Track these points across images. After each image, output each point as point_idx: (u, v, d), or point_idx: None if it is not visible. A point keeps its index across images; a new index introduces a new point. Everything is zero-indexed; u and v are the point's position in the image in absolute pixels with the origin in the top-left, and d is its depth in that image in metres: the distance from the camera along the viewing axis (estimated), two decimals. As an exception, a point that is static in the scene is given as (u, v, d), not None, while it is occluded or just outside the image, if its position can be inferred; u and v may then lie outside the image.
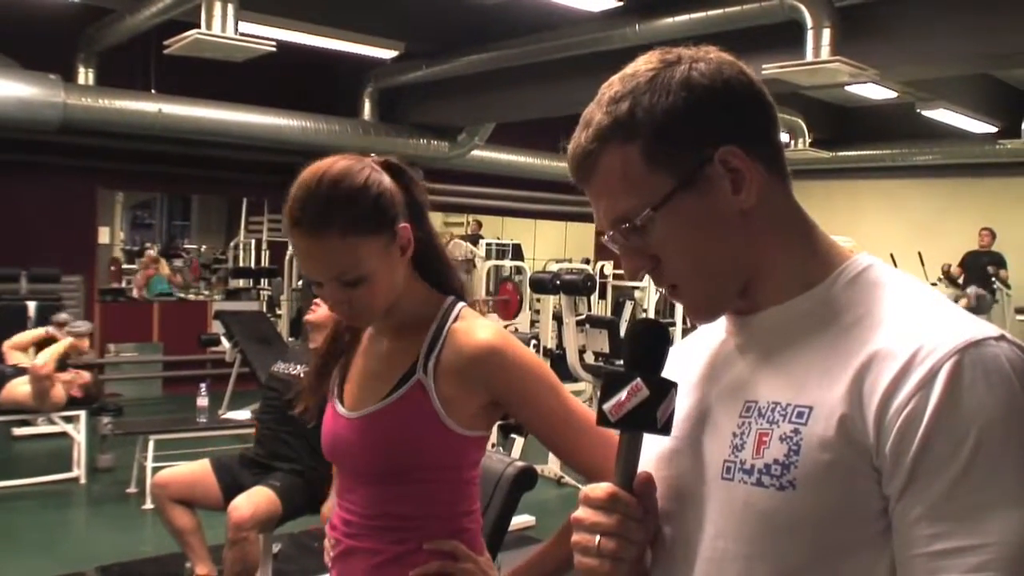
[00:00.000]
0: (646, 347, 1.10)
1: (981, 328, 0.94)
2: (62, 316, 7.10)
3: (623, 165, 1.03)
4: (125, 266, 14.03)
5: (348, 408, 1.71)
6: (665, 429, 1.07)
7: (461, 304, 1.72)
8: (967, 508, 0.88)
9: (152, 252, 13.37)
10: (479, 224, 14.06)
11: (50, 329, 6.86)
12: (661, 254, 1.06)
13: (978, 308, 10.53)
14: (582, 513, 1.06)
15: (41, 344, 6.68)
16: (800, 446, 0.97)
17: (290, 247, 1.53)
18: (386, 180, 1.62)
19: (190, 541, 4.30)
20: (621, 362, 1.00)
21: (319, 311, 4.42)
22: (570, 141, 1.09)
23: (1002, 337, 0.93)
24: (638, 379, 1.07)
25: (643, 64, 1.06)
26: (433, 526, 1.66)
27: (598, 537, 1.03)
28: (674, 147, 1.02)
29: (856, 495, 0.94)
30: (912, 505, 0.91)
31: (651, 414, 1.06)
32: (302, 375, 4.21)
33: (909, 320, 0.97)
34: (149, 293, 12.35)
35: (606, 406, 1.08)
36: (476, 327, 1.66)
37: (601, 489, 1.06)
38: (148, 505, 5.82)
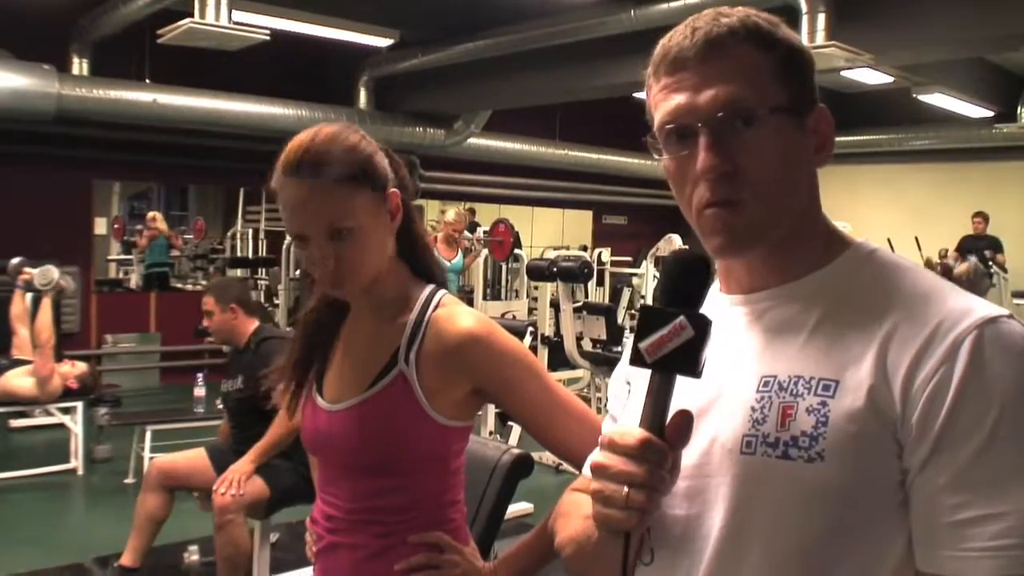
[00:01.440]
0: (687, 281, 1.02)
1: (992, 307, 0.98)
2: (13, 262, 6.97)
3: (755, 64, 1.05)
4: (122, 258, 14.01)
5: (329, 400, 1.69)
6: (701, 373, 0.99)
7: (442, 292, 1.70)
8: (990, 477, 0.91)
9: (152, 214, 13.30)
10: (472, 212, 14.06)
11: (18, 286, 6.81)
12: (746, 161, 1.03)
13: (975, 281, 10.53)
14: (608, 460, 0.99)
15: (36, 305, 6.63)
16: (828, 418, 0.98)
17: (280, 204, 1.52)
18: (378, 150, 1.64)
19: (147, 529, 4.33)
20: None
21: (213, 321, 4.44)
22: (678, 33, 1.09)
23: (1011, 316, 0.98)
24: (682, 317, 0.98)
25: (744, 10, 1.09)
26: (418, 518, 1.65)
27: (626, 488, 0.96)
28: (801, 77, 1.09)
29: (880, 467, 0.96)
30: (936, 475, 0.93)
31: (693, 356, 0.98)
32: (241, 386, 4.28)
33: (926, 297, 1.01)
34: (149, 258, 12.32)
35: (643, 344, 0.99)
36: (458, 315, 1.64)
37: (632, 436, 0.98)
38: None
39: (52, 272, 6.70)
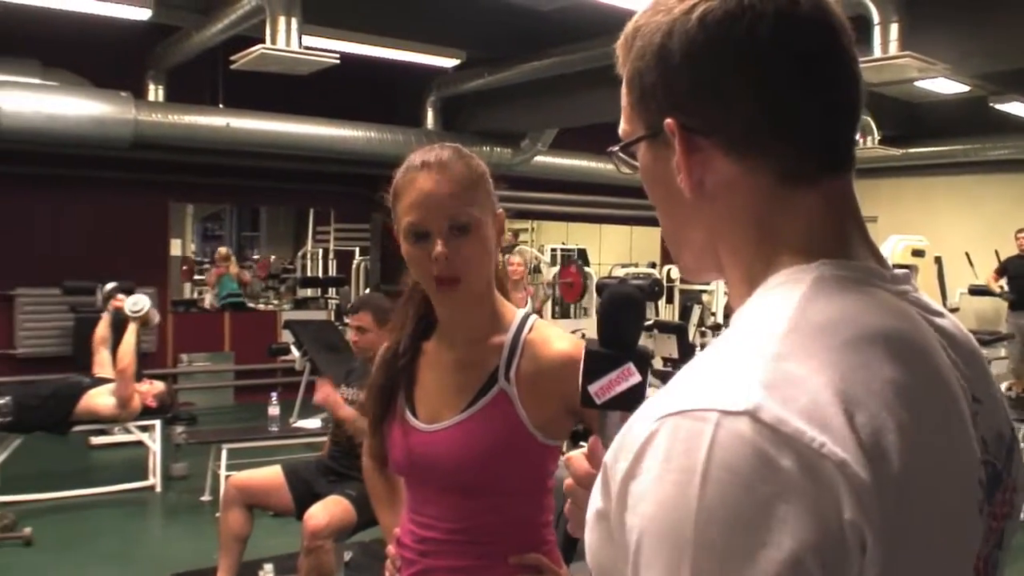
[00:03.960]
0: (624, 323, 1.11)
1: (715, 397, 0.70)
2: (107, 287, 7.15)
3: (623, 87, 0.92)
4: (197, 277, 14.27)
5: (425, 421, 1.70)
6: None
7: (534, 316, 1.74)
8: None
9: (223, 250, 13.54)
10: (515, 235, 14.10)
11: (109, 308, 6.97)
12: None
13: None
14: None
15: (118, 328, 6.77)
16: (597, 483, 0.83)
17: (405, 202, 1.56)
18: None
19: (233, 548, 4.35)
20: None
21: (365, 338, 4.49)
22: None
23: (743, 414, 0.68)
24: (630, 364, 1.07)
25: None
26: (515, 538, 1.65)
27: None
28: (642, 93, 0.89)
29: (618, 555, 0.76)
30: None
31: (639, 397, 1.06)
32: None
33: (685, 372, 0.77)
34: (219, 292, 12.53)
35: (592, 388, 1.08)
36: (553, 337, 1.68)
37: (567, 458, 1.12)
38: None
39: (144, 301, 6.87)
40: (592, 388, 1.08)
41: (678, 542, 0.66)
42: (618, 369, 1.08)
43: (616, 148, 0.96)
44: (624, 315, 1.13)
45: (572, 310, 12.23)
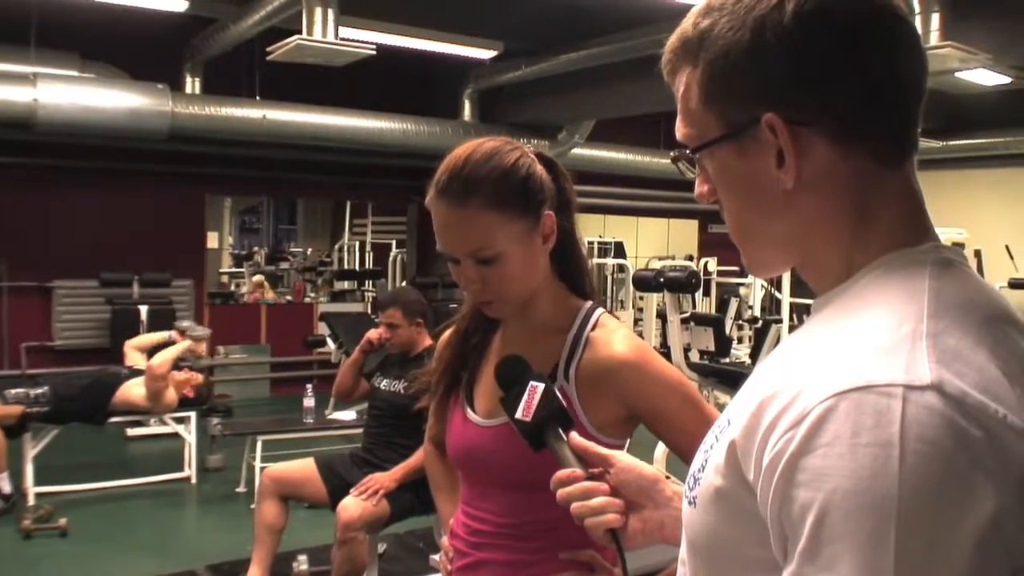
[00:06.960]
0: (512, 370, 1.37)
1: (896, 372, 0.72)
2: (184, 323, 7.20)
3: (687, 89, 0.93)
4: (233, 270, 14.36)
5: (482, 415, 1.66)
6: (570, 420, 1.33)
7: (600, 310, 1.67)
8: None
9: (257, 279, 13.57)
10: None
11: (172, 334, 6.97)
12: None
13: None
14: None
15: (160, 347, 6.79)
16: (707, 463, 0.87)
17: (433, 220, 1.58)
18: (537, 167, 1.60)
19: (267, 539, 4.36)
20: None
21: (397, 334, 4.46)
22: None
23: (929, 388, 0.71)
24: (530, 383, 1.32)
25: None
26: (569, 534, 1.58)
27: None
28: (726, 92, 0.89)
29: (745, 533, 0.81)
30: (786, 566, 0.75)
31: (554, 398, 1.32)
32: (403, 391, 4.26)
33: (830, 348, 0.79)
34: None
35: (518, 414, 1.31)
36: (615, 338, 1.62)
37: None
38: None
39: (204, 332, 6.91)
40: (518, 416, 1.31)
41: (881, 512, 0.68)
42: (525, 391, 1.31)
43: (690, 150, 0.95)
44: (507, 368, 1.38)
45: (609, 303, 12.16)
